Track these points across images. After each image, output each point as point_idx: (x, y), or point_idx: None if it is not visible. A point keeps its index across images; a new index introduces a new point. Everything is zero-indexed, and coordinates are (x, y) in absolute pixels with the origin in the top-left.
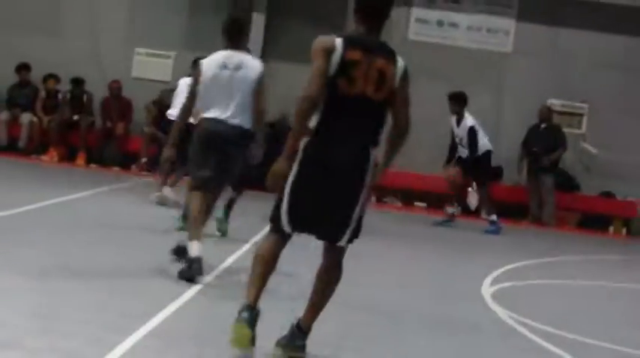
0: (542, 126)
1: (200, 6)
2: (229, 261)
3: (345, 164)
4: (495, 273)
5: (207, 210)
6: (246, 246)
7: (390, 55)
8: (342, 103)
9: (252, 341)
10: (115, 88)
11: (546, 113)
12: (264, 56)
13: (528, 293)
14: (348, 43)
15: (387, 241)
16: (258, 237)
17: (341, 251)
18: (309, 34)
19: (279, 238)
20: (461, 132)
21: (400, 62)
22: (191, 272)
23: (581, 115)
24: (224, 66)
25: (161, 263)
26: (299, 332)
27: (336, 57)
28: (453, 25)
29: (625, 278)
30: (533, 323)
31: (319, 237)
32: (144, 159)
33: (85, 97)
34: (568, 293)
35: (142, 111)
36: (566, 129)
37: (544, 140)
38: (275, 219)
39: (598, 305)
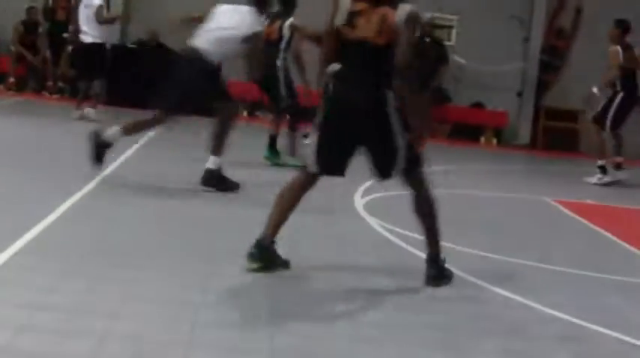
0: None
1: None
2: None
3: (362, 105)
4: (366, 185)
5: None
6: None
7: (393, 3)
8: (350, 49)
9: (268, 268)
10: None
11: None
12: None
13: (397, 203)
14: None
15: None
16: None
17: (412, 183)
18: None
19: (306, 177)
20: None
21: (403, 8)
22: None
23: (450, 27)
24: None
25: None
26: (431, 263)
27: (343, 9)
28: None
29: (492, 186)
30: (402, 231)
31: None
32: (11, 79)
33: None
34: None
35: (7, 30)
36: None
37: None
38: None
39: (462, 214)
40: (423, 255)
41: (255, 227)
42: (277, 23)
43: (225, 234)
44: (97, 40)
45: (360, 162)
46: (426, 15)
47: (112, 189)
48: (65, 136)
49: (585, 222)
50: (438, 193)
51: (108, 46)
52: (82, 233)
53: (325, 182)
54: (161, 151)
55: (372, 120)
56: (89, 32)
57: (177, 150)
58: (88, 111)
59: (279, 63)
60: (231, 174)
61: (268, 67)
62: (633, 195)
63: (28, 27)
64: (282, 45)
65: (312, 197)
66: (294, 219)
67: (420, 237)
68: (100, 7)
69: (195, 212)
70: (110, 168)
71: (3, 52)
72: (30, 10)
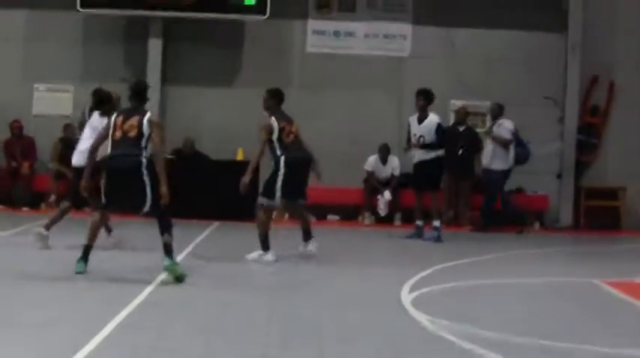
0: (461, 128)
1: (93, 37)
2: None
3: None
4: (416, 278)
5: None
6: None
7: None
8: None
9: None
10: (17, 128)
11: (463, 114)
12: (163, 82)
13: (448, 296)
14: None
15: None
16: None
17: None
18: (207, 60)
19: None
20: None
21: None
22: None
23: (484, 114)
24: None
25: None
26: None
27: None
28: (350, 34)
29: (539, 272)
30: (455, 326)
31: None
32: (53, 197)
33: None
34: (488, 292)
35: (46, 149)
36: None
37: (467, 142)
38: None
39: (512, 303)
40: (478, 349)
41: None
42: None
43: None
44: None
45: (407, 258)
46: (458, 104)
47: None
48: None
49: (637, 302)
50: (486, 283)
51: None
52: None
53: (371, 277)
54: None
55: None
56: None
57: None
58: None
59: None
60: None
61: None
62: None
63: (66, 144)
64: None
65: (357, 292)
66: (339, 314)
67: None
68: None
69: None
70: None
71: (42, 170)
72: (67, 127)
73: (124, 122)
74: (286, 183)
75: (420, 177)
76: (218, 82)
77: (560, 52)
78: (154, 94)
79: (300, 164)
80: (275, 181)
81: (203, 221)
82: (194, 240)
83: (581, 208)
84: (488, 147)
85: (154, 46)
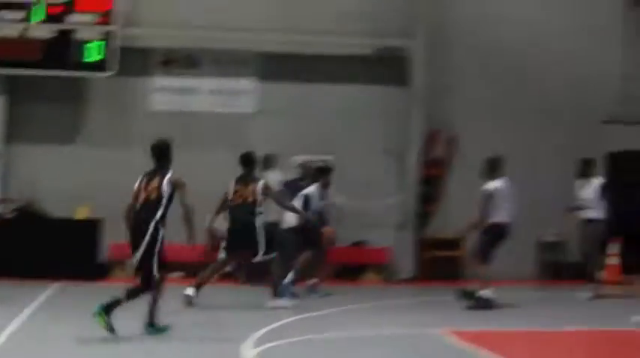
0: (303, 183)
1: None
2: None
3: None
4: (258, 334)
5: None
6: None
7: None
8: None
9: None
10: None
11: (308, 169)
12: (8, 139)
13: (291, 351)
14: None
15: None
16: None
17: None
18: (52, 117)
19: None
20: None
21: None
22: None
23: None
24: None
25: None
26: None
27: None
28: (195, 90)
29: (381, 323)
30: None
31: None
32: None
33: None
34: (328, 346)
35: None
36: None
37: None
38: None
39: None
40: None
41: None
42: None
43: None
44: None
45: (250, 314)
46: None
47: None
48: None
49: (480, 350)
50: (325, 339)
51: None
52: None
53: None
54: None
55: None
56: None
57: None
58: None
59: None
60: None
61: None
62: (522, 316)
63: None
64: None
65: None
66: None
67: None
68: None
69: None
70: None
71: None
72: None
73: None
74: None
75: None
76: (62, 140)
77: (403, 105)
78: None
79: None
80: None
81: (41, 280)
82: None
83: (423, 259)
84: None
85: None
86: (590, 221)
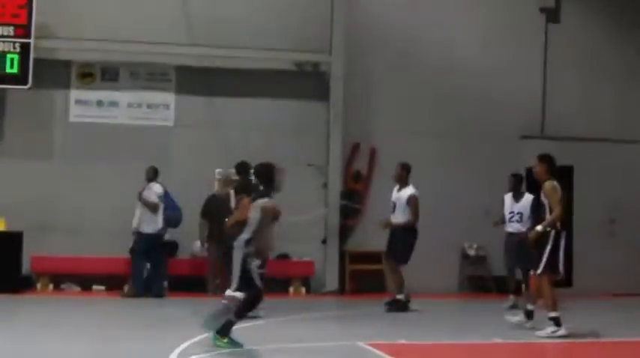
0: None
1: None
2: None
3: None
4: (183, 346)
5: None
6: None
7: None
8: None
9: None
10: None
11: (229, 182)
12: None
13: None
14: None
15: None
16: None
17: None
18: None
19: None
20: None
21: None
22: None
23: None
24: None
25: None
26: None
27: None
28: (113, 103)
29: (304, 336)
30: None
31: None
32: None
33: None
34: None
35: None
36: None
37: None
38: None
39: None
40: None
41: None
42: None
43: None
44: None
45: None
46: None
47: None
48: None
49: None
50: (242, 352)
51: None
52: None
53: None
54: None
55: None
56: None
57: None
58: None
59: None
60: None
61: None
62: (444, 329)
63: None
64: None
65: None
66: None
67: None
68: None
69: None
70: None
71: None
72: None
73: None
74: None
75: None
76: None
77: (323, 119)
78: None
79: None
80: None
81: None
82: None
83: (347, 272)
84: (138, 210)
85: None
86: (512, 234)
